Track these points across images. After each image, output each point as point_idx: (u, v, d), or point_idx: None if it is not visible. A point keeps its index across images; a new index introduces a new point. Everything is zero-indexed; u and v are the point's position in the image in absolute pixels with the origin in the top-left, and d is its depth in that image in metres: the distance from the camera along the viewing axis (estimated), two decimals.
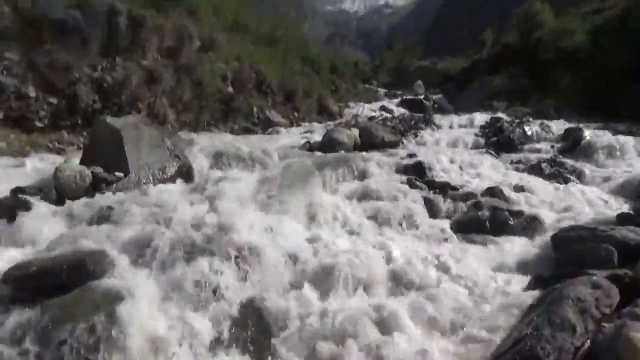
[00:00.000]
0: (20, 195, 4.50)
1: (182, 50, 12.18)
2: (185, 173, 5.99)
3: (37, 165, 7.10)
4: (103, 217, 4.42)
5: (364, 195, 5.84)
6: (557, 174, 7.26)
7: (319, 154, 8.10)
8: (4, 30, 8.84)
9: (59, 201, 4.81)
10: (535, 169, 7.57)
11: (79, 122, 9.80)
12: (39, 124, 9.22)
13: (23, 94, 8.97)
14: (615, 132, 9.76)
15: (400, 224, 5.22)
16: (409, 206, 5.46)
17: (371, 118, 15.82)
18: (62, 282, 3.07)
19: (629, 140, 8.75)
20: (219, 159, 6.85)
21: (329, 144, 8.79)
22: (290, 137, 11.75)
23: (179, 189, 5.56)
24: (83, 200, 4.75)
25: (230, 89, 13.56)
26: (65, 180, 4.93)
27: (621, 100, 15.45)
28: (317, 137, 10.14)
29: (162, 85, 11.29)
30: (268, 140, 10.74)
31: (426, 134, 11.25)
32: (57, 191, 4.89)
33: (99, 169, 5.35)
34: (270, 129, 13.30)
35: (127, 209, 4.49)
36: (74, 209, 4.48)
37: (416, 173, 6.99)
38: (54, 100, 9.44)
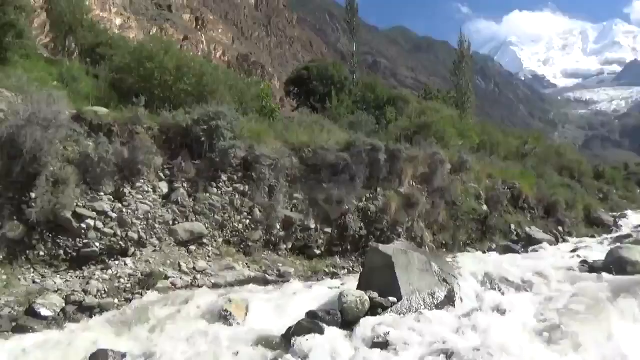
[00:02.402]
0: (314, 320, 5.10)
1: (434, 175, 12.78)
2: (454, 299, 5.87)
3: (319, 289, 8.03)
4: (382, 343, 4.59)
5: None
6: None
7: (605, 276, 6.92)
8: (293, 175, 10.88)
9: (343, 324, 5.25)
10: None
11: (349, 247, 10.99)
12: (317, 251, 10.65)
13: (306, 226, 10.64)
14: None
15: None
16: None
17: None
18: None
19: None
20: (486, 283, 6.55)
21: (616, 265, 7.47)
22: (559, 255, 10.55)
23: (449, 315, 5.45)
24: (364, 324, 5.06)
25: (485, 207, 13.33)
26: (348, 304, 5.40)
27: None
28: (596, 255, 8.81)
29: (418, 209, 11.89)
30: (533, 260, 9.84)
31: None
32: (341, 314, 5.37)
33: (374, 294, 5.70)
34: (532, 247, 12.27)
35: (404, 337, 4.58)
36: (359, 333, 4.79)
37: None
38: (328, 230, 10.90)
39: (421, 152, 12.93)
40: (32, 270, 7.33)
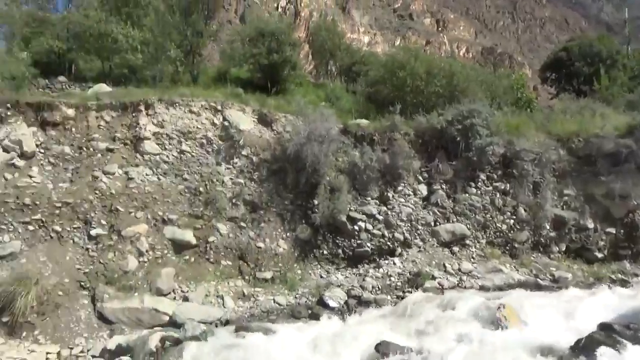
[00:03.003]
0: (610, 333, 4.42)
1: None
2: None
3: (606, 298, 6.98)
4: None
5: None
6: None
7: None
8: (561, 169, 9.72)
9: None
10: None
11: None
12: (598, 255, 9.25)
13: (582, 225, 9.37)
14: None
15: None
16: None
17: None
18: None
19: None
20: None
21: None
22: None
23: None
24: None
25: None
26: None
27: None
28: None
29: None
30: None
31: None
32: None
33: None
34: None
35: None
36: None
37: None
38: (612, 230, 9.35)
39: None
40: (318, 266, 8.56)
